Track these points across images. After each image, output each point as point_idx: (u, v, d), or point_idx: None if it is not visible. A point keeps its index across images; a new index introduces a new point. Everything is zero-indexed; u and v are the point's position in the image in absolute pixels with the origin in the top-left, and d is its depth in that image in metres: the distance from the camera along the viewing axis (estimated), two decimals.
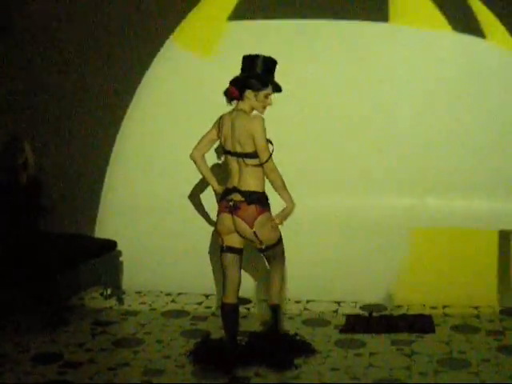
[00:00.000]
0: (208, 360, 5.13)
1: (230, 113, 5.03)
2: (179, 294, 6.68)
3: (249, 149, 4.92)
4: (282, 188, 4.99)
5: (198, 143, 5.21)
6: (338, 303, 6.39)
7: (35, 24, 6.81)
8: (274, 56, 5.05)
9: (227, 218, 5.03)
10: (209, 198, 6.65)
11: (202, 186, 6.67)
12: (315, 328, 5.83)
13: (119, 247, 6.43)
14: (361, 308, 6.29)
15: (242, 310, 6.24)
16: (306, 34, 6.44)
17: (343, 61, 6.41)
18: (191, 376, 5.03)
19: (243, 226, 4.98)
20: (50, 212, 6.64)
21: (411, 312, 6.19)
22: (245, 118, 4.93)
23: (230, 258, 5.16)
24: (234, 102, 5.04)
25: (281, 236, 5.17)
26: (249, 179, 4.98)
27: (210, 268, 6.66)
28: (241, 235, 5.06)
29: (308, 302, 6.39)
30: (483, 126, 6.33)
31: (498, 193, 6.33)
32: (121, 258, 6.50)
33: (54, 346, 5.49)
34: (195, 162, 5.25)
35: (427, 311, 6.20)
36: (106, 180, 6.87)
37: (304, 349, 5.33)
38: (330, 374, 5.04)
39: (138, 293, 6.71)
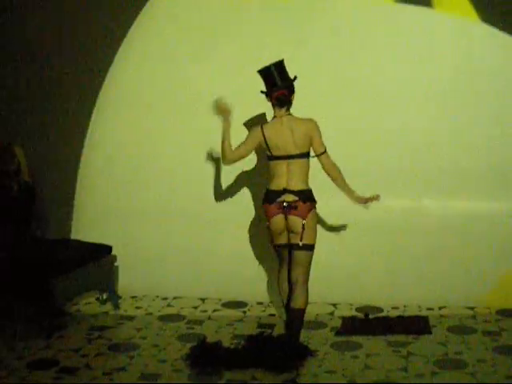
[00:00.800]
0: (204, 364, 5.12)
1: (277, 121, 5.34)
2: (175, 298, 6.67)
3: (304, 149, 5.28)
4: (343, 180, 5.46)
5: (234, 151, 5.45)
6: (334, 305, 6.39)
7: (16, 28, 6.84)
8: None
9: (280, 218, 5.34)
10: (205, 202, 6.67)
11: (198, 190, 6.67)
12: (311, 330, 5.82)
13: (114, 252, 6.42)
14: (357, 310, 6.29)
15: (238, 313, 6.25)
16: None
17: (339, 59, 6.43)
18: (187, 380, 5.03)
19: (296, 220, 5.29)
20: (44, 218, 6.63)
21: (407, 313, 6.19)
22: (301, 121, 5.32)
23: (283, 252, 5.51)
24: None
25: (315, 243, 5.40)
26: (298, 179, 5.31)
27: (206, 272, 6.65)
28: (289, 230, 5.35)
29: None
30: (481, 126, 6.34)
31: (498, 194, 6.34)
32: (116, 263, 6.48)
33: (49, 352, 5.48)
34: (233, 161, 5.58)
35: (423, 312, 6.20)
36: (102, 185, 6.86)
37: (300, 351, 5.32)
38: (326, 376, 5.04)
39: (134, 297, 6.69)
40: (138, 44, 6.68)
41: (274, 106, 5.38)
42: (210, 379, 5.01)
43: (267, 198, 5.38)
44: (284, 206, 5.29)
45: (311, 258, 5.41)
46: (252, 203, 6.56)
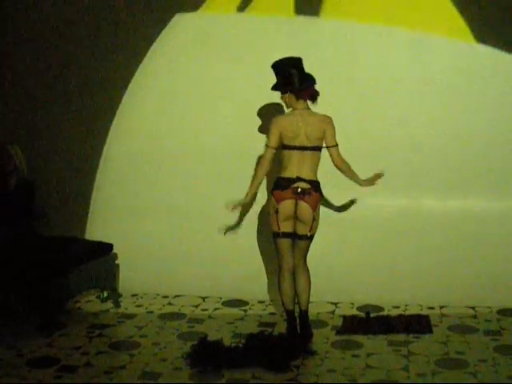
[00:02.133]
0: (205, 362, 5.12)
1: (295, 114, 5.47)
2: (176, 296, 6.67)
3: (317, 142, 5.45)
4: (352, 172, 5.61)
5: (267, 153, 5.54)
6: (335, 304, 6.38)
7: (20, 28, 6.83)
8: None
9: (291, 203, 5.46)
10: (205, 200, 6.66)
11: (198, 187, 6.66)
12: (312, 329, 5.81)
13: (115, 250, 6.41)
14: (358, 309, 6.28)
15: (239, 311, 6.25)
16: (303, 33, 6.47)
17: (337, 61, 6.42)
18: (188, 379, 5.01)
19: (307, 209, 5.44)
20: (45, 215, 6.63)
21: (408, 312, 6.18)
22: (318, 116, 5.48)
23: (285, 242, 5.57)
24: None
25: None
26: (309, 170, 5.48)
27: (207, 270, 6.65)
28: (298, 218, 5.48)
29: None
30: (479, 125, 6.33)
31: (497, 193, 6.33)
32: (117, 261, 6.48)
33: (50, 350, 5.47)
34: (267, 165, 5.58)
35: (424, 311, 6.19)
36: (102, 182, 6.86)
37: (301, 350, 5.32)
38: (327, 375, 5.03)
39: (135, 295, 6.70)
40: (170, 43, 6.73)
41: (296, 100, 5.49)
42: (210, 378, 5.00)
43: (279, 185, 5.51)
44: (298, 192, 5.42)
45: (310, 244, 5.62)
46: (254, 202, 6.54)
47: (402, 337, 5.67)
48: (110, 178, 6.85)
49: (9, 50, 6.91)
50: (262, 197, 6.46)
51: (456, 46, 6.33)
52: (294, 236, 5.57)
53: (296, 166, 5.46)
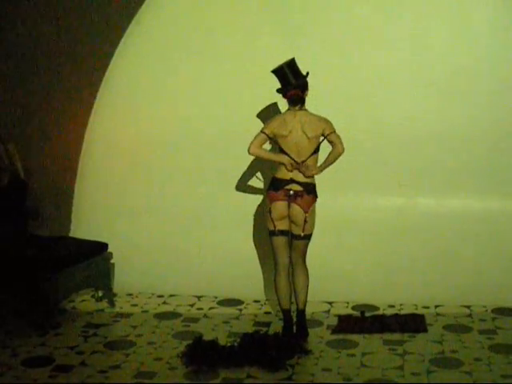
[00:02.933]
0: (200, 361, 5.12)
1: (290, 114, 5.48)
2: (171, 295, 6.66)
3: (313, 144, 5.46)
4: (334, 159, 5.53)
5: (254, 143, 5.51)
6: (330, 303, 6.38)
7: (18, 23, 6.79)
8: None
9: (284, 205, 5.49)
10: (200, 199, 6.66)
11: (194, 186, 6.66)
12: (308, 328, 5.81)
13: (110, 249, 6.40)
14: (353, 308, 6.28)
15: (234, 311, 6.25)
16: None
17: (336, 57, 6.42)
18: (183, 378, 5.01)
19: (299, 211, 5.47)
20: (40, 215, 6.62)
21: (403, 312, 6.19)
22: (315, 117, 5.48)
23: (281, 240, 5.60)
24: None
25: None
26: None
27: (202, 270, 6.65)
28: (291, 220, 5.52)
29: None
30: (477, 124, 6.33)
31: (492, 192, 6.34)
32: (112, 260, 6.47)
33: (45, 350, 5.46)
34: (257, 156, 5.65)
35: (419, 311, 6.20)
36: (98, 182, 6.85)
37: (296, 349, 5.32)
38: (322, 374, 5.04)
39: (130, 295, 6.69)
40: (137, 40, 6.65)
41: (288, 103, 5.55)
42: (205, 377, 4.99)
43: (273, 185, 5.53)
44: (290, 194, 5.44)
45: (309, 243, 5.63)
46: (249, 202, 6.55)
47: (397, 336, 5.68)
48: (106, 177, 6.84)
49: None
50: (258, 196, 6.47)
51: (456, 45, 6.32)
52: (290, 235, 5.58)
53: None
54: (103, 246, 6.37)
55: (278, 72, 5.49)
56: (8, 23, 6.75)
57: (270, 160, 5.66)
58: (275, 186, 5.51)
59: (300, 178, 5.46)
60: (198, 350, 5.22)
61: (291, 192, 5.46)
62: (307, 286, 5.62)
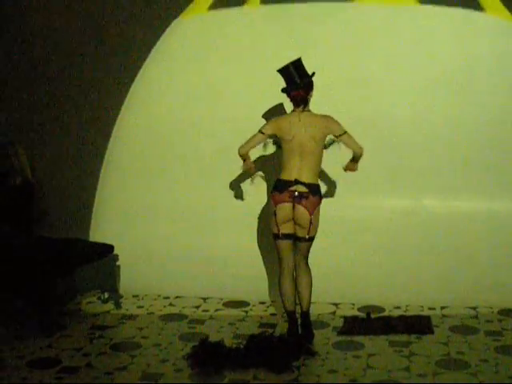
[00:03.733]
0: (206, 363, 5.12)
1: (294, 116, 5.46)
2: (177, 297, 6.67)
3: (319, 144, 5.45)
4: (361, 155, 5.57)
5: (248, 143, 5.57)
6: (336, 305, 6.38)
7: (28, 26, 6.82)
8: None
9: (288, 207, 5.45)
10: (207, 201, 6.67)
11: (199, 188, 6.67)
12: (313, 330, 5.80)
13: (116, 251, 6.41)
14: (359, 310, 6.28)
15: (240, 312, 6.25)
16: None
17: (340, 57, 6.42)
18: (189, 380, 5.02)
19: (304, 213, 5.43)
20: (47, 217, 6.63)
21: (409, 313, 6.18)
22: (318, 117, 5.47)
23: (285, 243, 5.57)
24: None
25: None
26: (309, 172, 5.45)
27: (208, 271, 6.65)
28: (296, 222, 5.48)
29: None
30: (481, 125, 6.33)
31: (499, 193, 6.33)
32: (118, 262, 6.47)
33: (51, 351, 5.47)
34: (244, 159, 5.69)
35: (425, 312, 6.19)
36: (102, 184, 6.86)
37: (302, 351, 5.32)
38: (328, 376, 5.03)
39: (136, 296, 6.70)
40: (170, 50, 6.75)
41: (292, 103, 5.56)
42: (211, 379, 4.99)
43: (277, 187, 5.51)
44: (295, 196, 5.41)
45: (311, 245, 5.62)
46: (254, 204, 6.54)
47: (403, 337, 5.67)
48: (112, 179, 6.86)
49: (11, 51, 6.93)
50: (263, 198, 6.47)
51: (460, 45, 6.32)
52: (294, 237, 5.57)
53: (296, 169, 5.46)
54: (109, 248, 6.37)
55: (284, 71, 5.48)
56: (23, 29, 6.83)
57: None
58: (279, 187, 5.49)
59: (304, 178, 5.44)
60: (203, 352, 5.21)
61: (296, 193, 5.43)
62: (311, 286, 5.61)
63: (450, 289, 6.33)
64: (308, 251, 5.60)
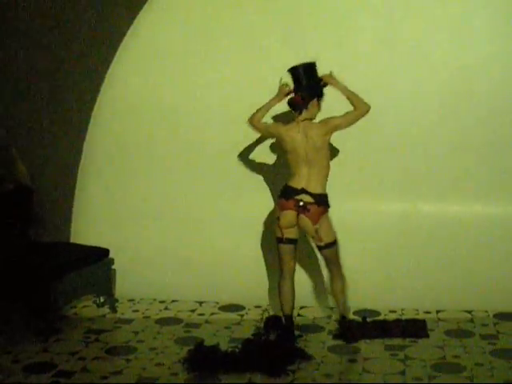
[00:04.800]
0: (202, 367, 5.12)
1: (295, 125, 5.45)
2: (172, 301, 6.66)
3: (323, 152, 5.42)
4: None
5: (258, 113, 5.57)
6: (332, 309, 6.38)
7: (17, 29, 6.79)
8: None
9: (292, 214, 5.44)
10: (203, 205, 6.67)
11: (195, 192, 6.67)
12: (309, 334, 5.81)
13: (112, 255, 6.40)
14: (354, 313, 6.28)
15: (235, 316, 6.24)
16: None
17: (335, 64, 6.41)
18: (185, 383, 5.01)
19: (307, 222, 5.44)
20: (42, 221, 6.62)
21: (405, 317, 6.18)
22: (315, 125, 5.43)
23: (288, 248, 5.56)
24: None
25: (337, 238, 5.63)
26: (317, 182, 5.44)
27: (203, 275, 6.64)
28: (303, 230, 5.53)
29: (301, 307, 6.36)
30: (478, 129, 6.33)
31: (495, 197, 6.34)
32: (113, 266, 6.47)
33: (46, 355, 5.47)
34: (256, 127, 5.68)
35: (421, 316, 6.19)
36: (98, 188, 6.85)
37: (298, 355, 5.32)
38: (324, 379, 5.03)
39: (131, 300, 6.69)
40: (139, 42, 6.65)
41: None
42: (207, 383, 4.99)
43: (284, 193, 5.49)
44: (299, 205, 5.39)
45: (337, 251, 5.64)
46: (251, 208, 6.54)
47: (398, 341, 5.67)
48: (107, 183, 6.85)
49: None
50: (259, 202, 6.47)
51: (458, 50, 6.33)
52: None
53: (305, 177, 5.43)
54: (105, 252, 6.37)
55: (293, 71, 5.44)
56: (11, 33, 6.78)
57: (267, 109, 5.61)
58: (286, 194, 5.48)
59: (312, 188, 5.42)
60: (199, 356, 5.22)
61: (301, 203, 5.41)
62: (344, 291, 5.69)
63: (445, 292, 6.33)
64: (335, 257, 5.62)
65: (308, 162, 5.42)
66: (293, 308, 5.65)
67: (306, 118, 5.48)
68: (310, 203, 5.41)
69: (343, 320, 5.74)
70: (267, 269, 6.47)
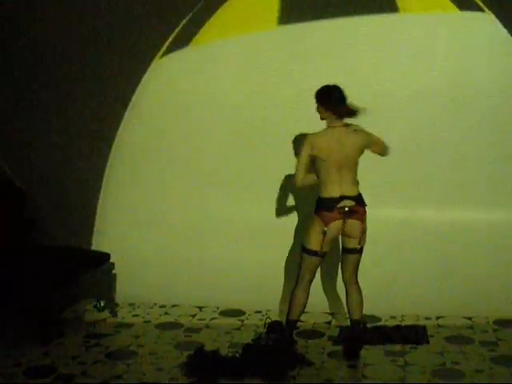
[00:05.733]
0: (202, 372, 5.12)
1: (331, 131, 5.32)
2: (173, 306, 6.67)
3: (356, 158, 5.39)
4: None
5: (299, 173, 5.37)
6: (331, 314, 6.38)
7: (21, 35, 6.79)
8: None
9: (340, 224, 5.35)
10: (203, 210, 6.68)
11: (196, 198, 6.67)
12: (309, 340, 5.81)
13: (112, 259, 6.41)
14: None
15: (235, 321, 6.25)
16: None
17: (335, 72, 6.43)
18: None
19: (357, 225, 5.37)
20: (42, 225, 6.62)
21: (405, 323, 6.18)
22: (355, 132, 5.37)
23: (319, 261, 5.47)
24: None
25: None
26: (352, 185, 5.37)
27: (204, 280, 6.65)
28: (346, 235, 5.41)
29: None
30: (476, 135, 6.34)
31: (494, 203, 6.35)
32: (114, 271, 6.48)
33: (47, 359, 5.47)
34: (303, 187, 5.49)
35: (421, 322, 6.20)
36: (99, 192, 6.86)
37: (298, 360, 5.32)
38: None
39: (132, 305, 6.69)
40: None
41: (330, 116, 5.37)
42: None
43: (323, 206, 5.36)
44: (345, 212, 5.32)
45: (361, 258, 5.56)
46: (250, 213, 6.55)
47: (398, 347, 5.67)
48: (108, 187, 6.85)
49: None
50: (259, 209, 6.47)
51: (458, 56, 6.34)
52: (344, 250, 5.51)
53: (338, 184, 5.32)
54: (105, 256, 6.38)
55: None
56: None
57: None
58: (327, 206, 5.34)
59: (349, 192, 5.35)
60: (199, 361, 5.22)
61: (346, 209, 5.33)
62: (362, 304, 5.51)
63: (445, 299, 6.34)
64: (358, 265, 5.51)
65: (340, 167, 5.33)
66: (300, 315, 5.62)
67: (344, 125, 5.39)
68: (354, 206, 5.35)
69: (363, 326, 5.65)
70: (268, 274, 6.46)
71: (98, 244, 6.61)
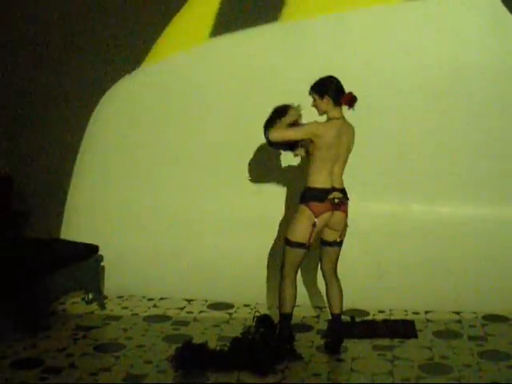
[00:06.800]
0: (190, 365, 5.11)
1: (334, 123, 5.26)
2: (161, 298, 6.66)
3: (349, 151, 5.39)
4: None
5: (288, 132, 5.30)
6: (320, 308, 6.38)
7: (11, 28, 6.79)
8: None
9: (329, 215, 5.32)
10: (192, 202, 6.66)
11: (185, 189, 6.66)
12: (297, 333, 5.81)
13: (101, 252, 6.39)
14: (343, 313, 6.27)
15: (224, 315, 6.24)
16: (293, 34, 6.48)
17: (332, 64, 6.42)
18: (173, 381, 5.02)
19: (342, 217, 5.37)
20: (29, 217, 6.60)
21: (393, 317, 6.19)
22: (351, 126, 5.38)
23: (305, 253, 5.38)
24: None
25: None
26: (340, 177, 5.38)
27: (192, 273, 6.64)
28: (330, 227, 5.38)
29: None
30: (470, 131, 6.35)
31: (485, 198, 6.36)
32: (102, 263, 6.46)
33: (34, 352, 5.45)
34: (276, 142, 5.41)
35: (409, 316, 6.21)
36: (87, 184, 6.84)
37: (286, 354, 5.32)
38: (312, 379, 5.04)
39: (120, 297, 6.67)
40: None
41: (334, 107, 5.30)
42: (195, 381, 4.99)
43: (315, 196, 5.29)
44: (335, 203, 5.30)
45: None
46: (240, 206, 6.54)
47: (386, 341, 5.68)
48: (97, 179, 6.84)
49: None
50: (248, 201, 6.46)
51: (454, 52, 6.34)
52: (323, 243, 5.50)
53: (329, 176, 5.29)
54: (94, 249, 6.35)
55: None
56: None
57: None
58: (318, 197, 5.29)
59: (338, 184, 5.35)
60: (187, 354, 5.21)
61: (336, 200, 5.31)
62: (342, 297, 5.53)
63: (434, 293, 6.35)
64: (338, 258, 5.52)
65: (336, 159, 5.31)
66: (293, 308, 5.55)
67: (342, 116, 5.34)
68: (343, 198, 5.35)
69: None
70: (257, 267, 6.46)
71: (87, 236, 6.58)
